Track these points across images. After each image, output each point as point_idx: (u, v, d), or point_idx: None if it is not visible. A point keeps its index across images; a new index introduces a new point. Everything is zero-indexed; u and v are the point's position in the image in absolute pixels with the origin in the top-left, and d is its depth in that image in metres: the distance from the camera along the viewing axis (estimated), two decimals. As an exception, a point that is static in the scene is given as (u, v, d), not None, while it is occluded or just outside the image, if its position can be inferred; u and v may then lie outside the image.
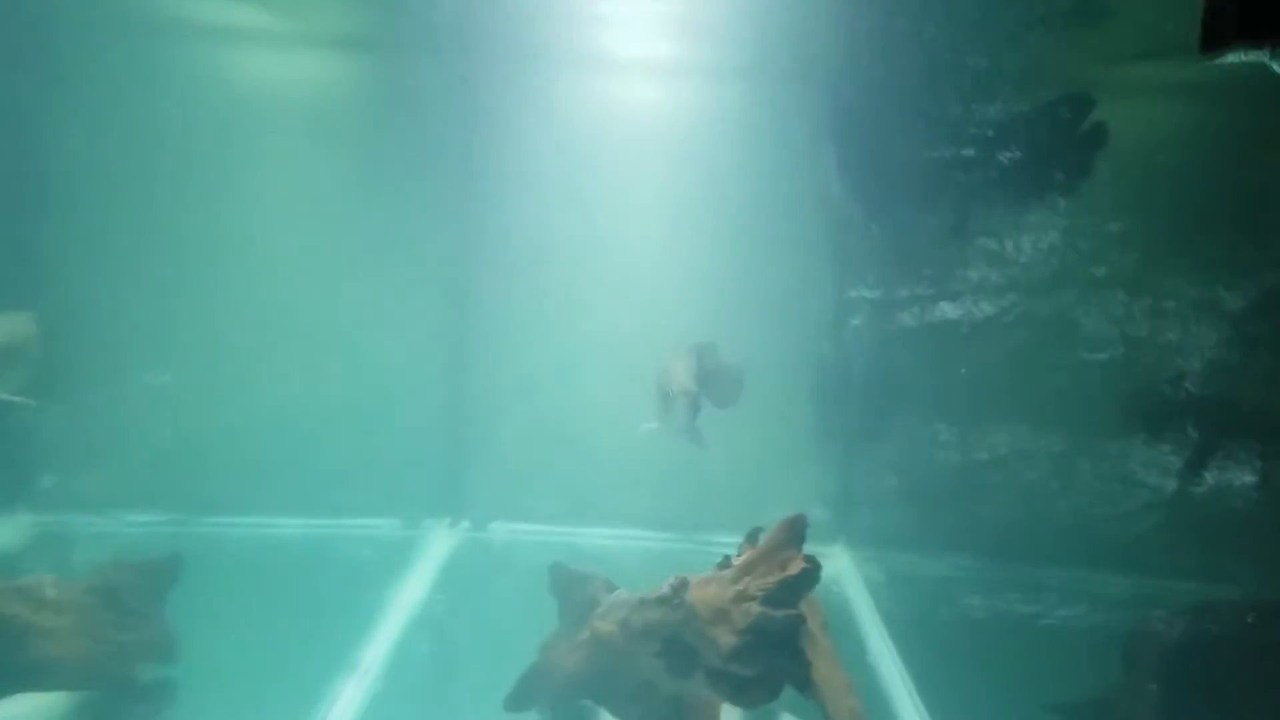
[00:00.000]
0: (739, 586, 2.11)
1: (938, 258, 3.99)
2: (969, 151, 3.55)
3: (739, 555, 2.33)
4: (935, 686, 3.12)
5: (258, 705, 2.88)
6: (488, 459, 4.64)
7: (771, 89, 4.45)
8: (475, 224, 4.54)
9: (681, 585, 2.25)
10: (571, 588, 3.12)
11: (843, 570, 4.27)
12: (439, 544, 4.39)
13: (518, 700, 2.83)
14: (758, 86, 4.47)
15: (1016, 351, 3.68)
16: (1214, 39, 1.19)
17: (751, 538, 2.32)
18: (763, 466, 4.51)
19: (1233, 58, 1.34)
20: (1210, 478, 2.74)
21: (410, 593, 3.80)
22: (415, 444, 4.57)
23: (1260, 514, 2.60)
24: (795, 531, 2.12)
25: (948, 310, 3.80)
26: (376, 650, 3.26)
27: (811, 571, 2.09)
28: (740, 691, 2.10)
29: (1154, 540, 3.08)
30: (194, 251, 4.40)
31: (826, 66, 4.27)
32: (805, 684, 2.16)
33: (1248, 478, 2.62)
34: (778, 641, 2.05)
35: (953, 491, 4.05)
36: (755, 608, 2.05)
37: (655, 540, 4.57)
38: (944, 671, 3.19)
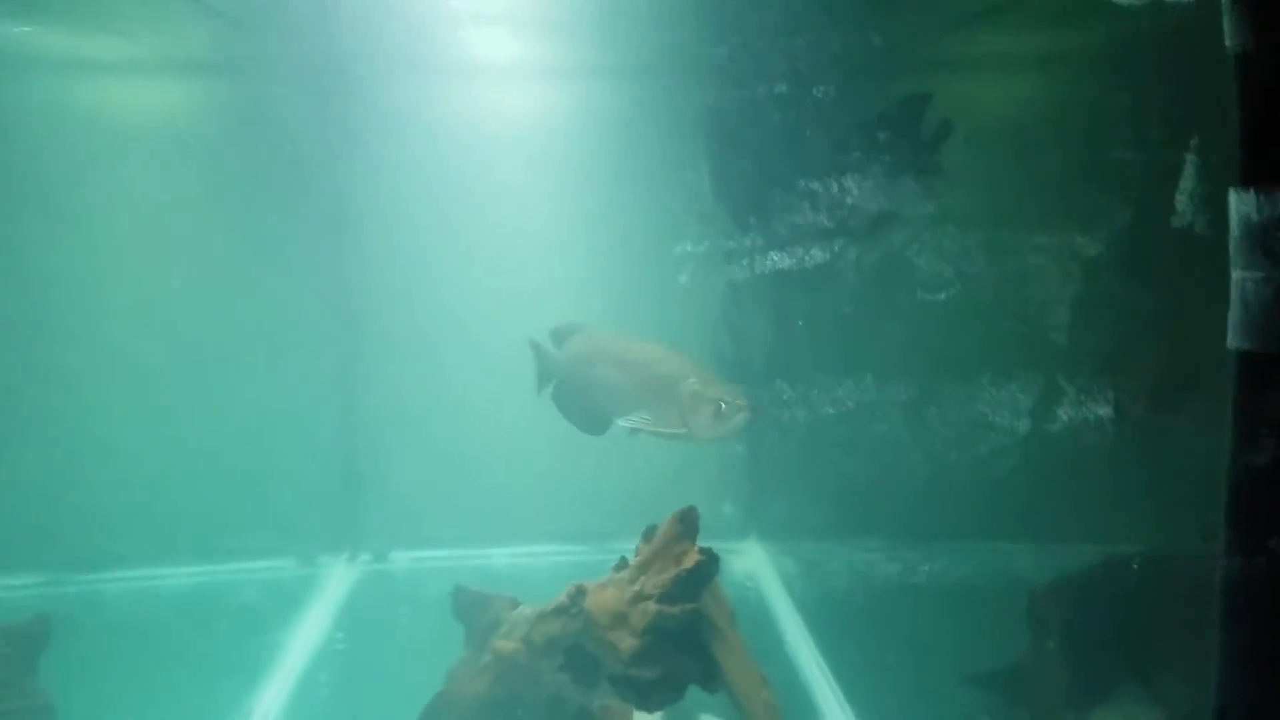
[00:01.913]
0: (636, 587, 2.02)
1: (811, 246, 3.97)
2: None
3: (636, 556, 2.24)
4: (852, 671, 3.08)
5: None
6: (384, 488, 4.47)
7: (646, 89, 4.39)
8: (353, 250, 4.38)
9: (578, 593, 2.15)
10: (475, 610, 2.99)
11: (756, 565, 4.22)
12: (338, 580, 4.21)
13: (423, 733, 2.69)
14: (633, 86, 4.41)
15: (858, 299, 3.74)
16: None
17: (648, 536, 2.23)
18: (668, 468, 4.43)
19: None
20: (1064, 416, 2.76)
21: (307, 634, 3.62)
22: (306, 478, 4.37)
23: (1120, 453, 2.61)
24: (688, 524, 2.04)
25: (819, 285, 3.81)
26: (271, 698, 3.09)
27: (707, 563, 2.01)
28: (645, 696, 2.01)
29: (1016, 485, 3.09)
30: (56, 293, 4.15)
31: (690, 64, 4.23)
32: (710, 680, 2.08)
33: (1102, 412, 2.65)
34: (678, 639, 1.96)
35: (842, 470, 4.02)
36: (652, 607, 1.97)
37: (565, 554, 4.46)
38: (860, 655, 3.16)
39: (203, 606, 3.94)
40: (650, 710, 2.13)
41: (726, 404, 2.54)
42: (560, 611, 2.21)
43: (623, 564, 2.23)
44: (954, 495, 3.78)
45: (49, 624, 2.91)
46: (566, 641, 2.20)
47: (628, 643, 1.98)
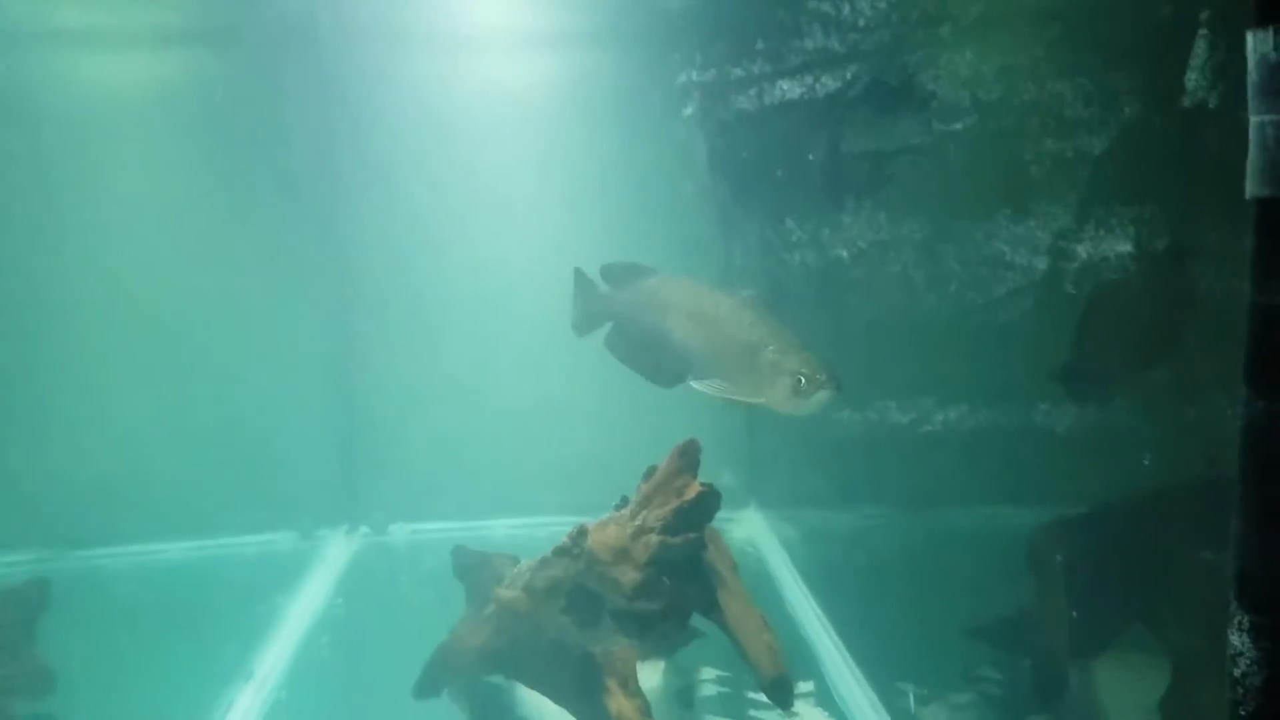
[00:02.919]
0: (637, 522, 2.01)
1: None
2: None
3: (637, 494, 2.22)
4: (853, 627, 3.08)
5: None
6: (384, 461, 4.45)
7: (639, 54, 4.36)
8: (348, 224, 4.36)
9: (580, 533, 2.14)
10: (476, 569, 2.98)
11: (756, 531, 4.21)
12: (337, 552, 4.19)
13: (425, 686, 2.68)
14: (622, 54, 4.38)
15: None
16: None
17: (648, 476, 2.21)
18: (664, 439, 4.40)
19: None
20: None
21: (308, 601, 3.61)
22: (305, 452, 4.35)
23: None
24: (688, 458, 2.03)
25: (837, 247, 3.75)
26: (274, 658, 3.08)
27: (709, 495, 2.00)
28: (648, 628, 2.00)
29: (1013, 449, 3.06)
30: (43, 269, 4.12)
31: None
32: (713, 609, 2.06)
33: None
34: (681, 570, 1.95)
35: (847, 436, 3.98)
36: (654, 538, 1.96)
37: (564, 526, 4.41)
38: (861, 613, 3.15)
39: (201, 579, 3.93)
40: (654, 643, 2.12)
41: (806, 379, 2.29)
42: (562, 553, 2.20)
43: (624, 503, 2.21)
44: (954, 461, 3.77)
45: (47, 587, 2.89)
46: (569, 584, 2.18)
47: (630, 576, 1.97)
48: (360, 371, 4.42)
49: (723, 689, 2.81)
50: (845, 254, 2.88)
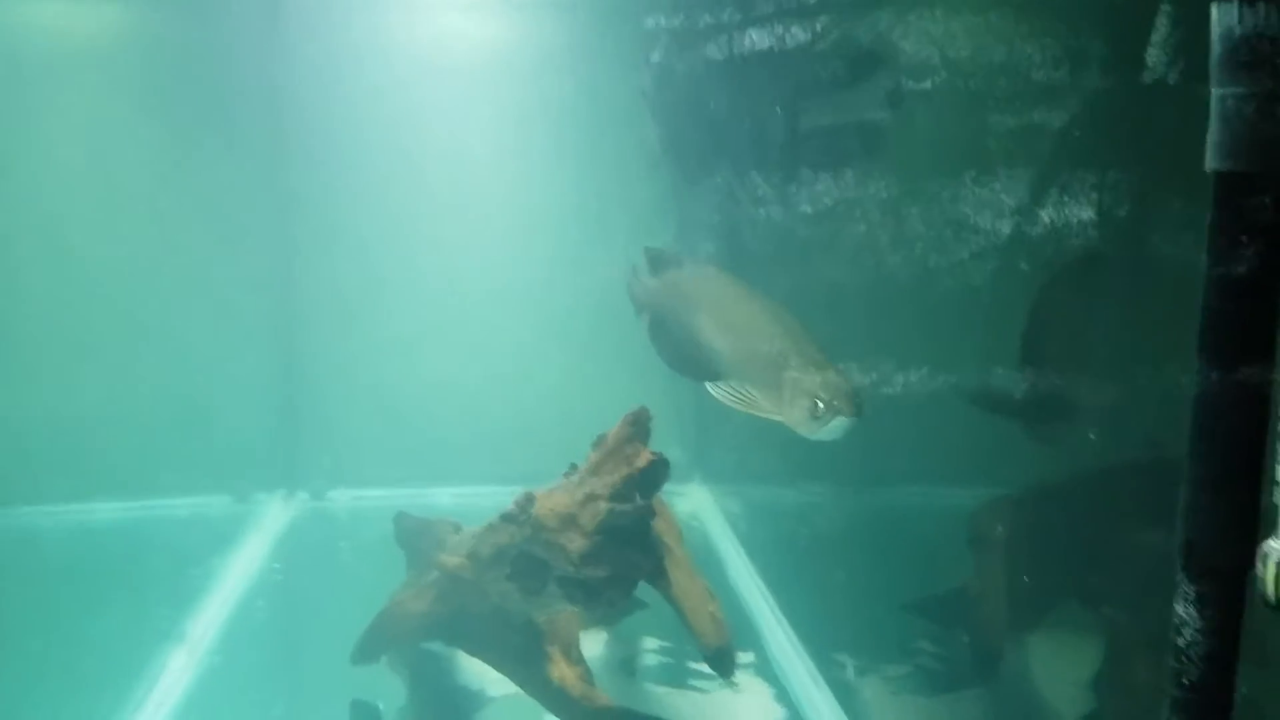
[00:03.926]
0: (586, 489, 2.00)
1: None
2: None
3: (585, 462, 2.21)
4: (794, 600, 3.10)
5: (74, 688, 2.60)
6: (323, 426, 4.38)
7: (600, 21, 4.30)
8: (293, 185, 4.26)
9: (527, 499, 2.12)
10: (417, 535, 2.96)
11: (701, 506, 4.21)
12: (274, 517, 4.13)
13: (364, 652, 2.64)
14: (585, 19, 4.32)
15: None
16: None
17: (598, 444, 2.20)
18: (612, 410, 4.39)
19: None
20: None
21: (243, 565, 3.55)
22: (243, 415, 4.27)
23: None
24: (639, 425, 2.02)
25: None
26: (208, 622, 3.02)
27: (659, 464, 1.99)
28: (593, 595, 1.99)
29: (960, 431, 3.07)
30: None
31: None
32: (660, 577, 2.06)
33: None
34: (629, 537, 1.94)
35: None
36: (603, 506, 1.94)
37: (508, 495, 4.39)
38: (802, 587, 3.17)
39: (132, 540, 3.84)
40: (599, 609, 2.12)
41: (825, 404, 2.14)
42: (508, 520, 2.18)
43: (572, 470, 2.20)
44: (898, 442, 3.79)
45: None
46: (514, 550, 2.17)
47: (577, 543, 1.96)
48: (301, 334, 4.35)
49: (664, 659, 2.82)
50: (807, 212, 2.85)
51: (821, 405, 2.17)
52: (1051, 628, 2.50)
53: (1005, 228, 2.04)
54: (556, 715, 2.33)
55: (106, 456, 4.02)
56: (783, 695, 2.66)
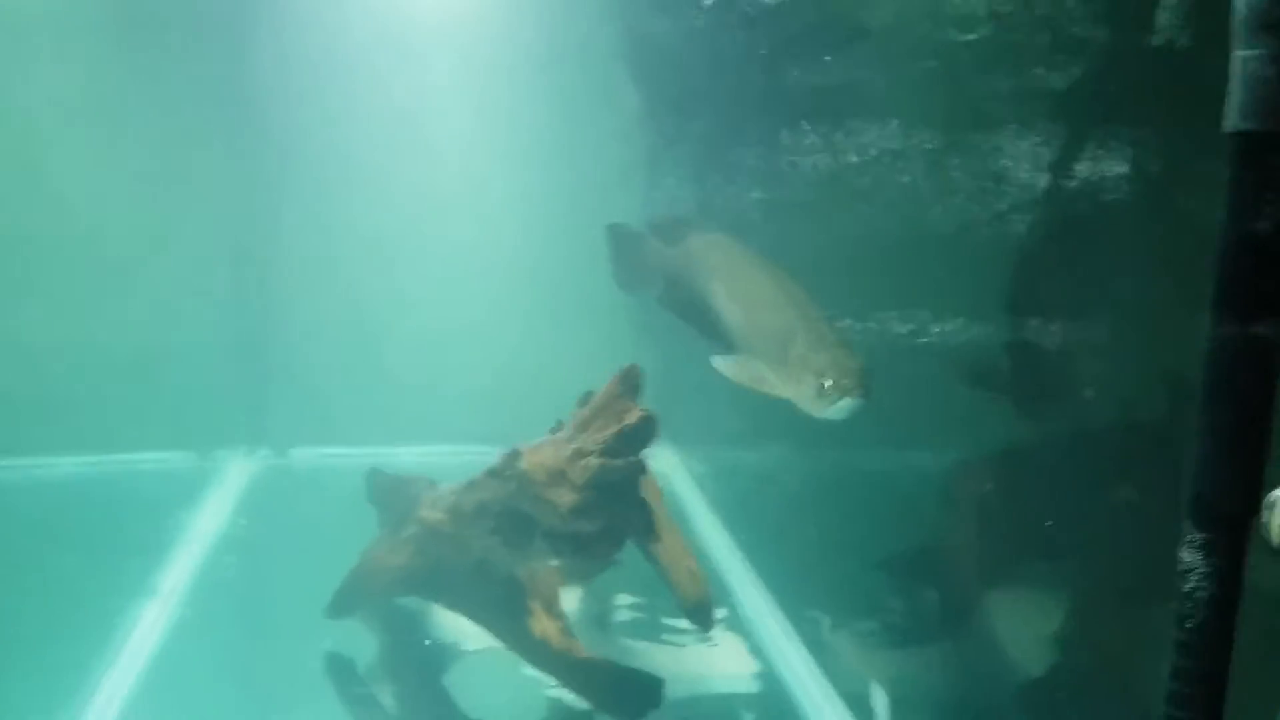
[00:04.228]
0: (576, 445, 2.01)
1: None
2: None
3: (573, 418, 2.22)
4: (764, 558, 3.14)
5: (48, 641, 2.57)
6: (285, 382, 4.33)
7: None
8: (258, 130, 4.18)
9: (513, 455, 2.13)
10: (392, 492, 2.95)
11: (668, 467, 4.23)
12: (237, 473, 4.09)
13: (340, 605, 2.64)
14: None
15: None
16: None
17: (584, 401, 2.21)
18: (580, 370, 4.38)
19: None
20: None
21: (209, 520, 3.52)
22: (204, 370, 4.21)
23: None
24: (630, 382, 2.03)
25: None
26: (177, 576, 3.00)
27: (650, 419, 2.01)
28: (583, 548, 2.01)
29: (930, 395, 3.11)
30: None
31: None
32: (649, 533, 2.09)
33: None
34: (619, 492, 1.96)
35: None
36: (594, 461, 1.96)
37: (473, 454, 4.34)
38: (772, 546, 3.22)
39: (96, 494, 3.79)
40: (588, 562, 2.14)
41: (833, 383, 2.09)
42: (493, 475, 2.19)
43: (559, 426, 2.21)
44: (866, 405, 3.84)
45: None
46: (499, 505, 2.18)
47: (567, 498, 1.97)
48: (263, 287, 4.29)
49: (638, 614, 2.85)
50: (790, 174, 2.85)
51: (829, 384, 2.13)
52: (1017, 584, 2.57)
53: (993, 190, 2.07)
54: (538, 668, 2.35)
55: (66, 410, 3.95)
56: (756, 649, 2.70)
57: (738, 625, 2.81)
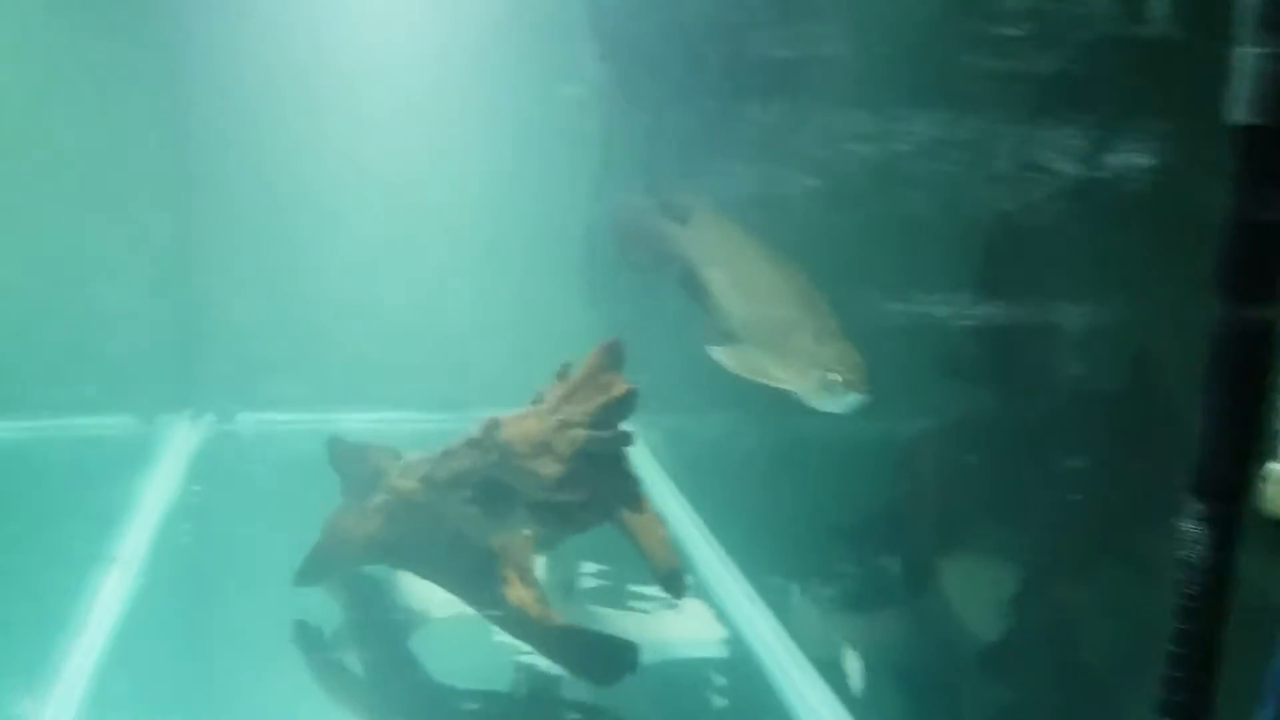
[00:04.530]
0: (560, 416, 2.03)
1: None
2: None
3: (549, 390, 2.24)
4: (725, 525, 3.20)
5: (8, 609, 2.53)
6: (228, 345, 4.24)
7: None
8: (195, 68, 4.04)
9: (493, 424, 2.14)
10: (353, 461, 2.94)
11: (617, 434, 4.29)
12: (182, 439, 4.02)
13: (308, 574, 2.64)
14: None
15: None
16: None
17: (563, 374, 2.23)
18: (531, 337, 4.37)
19: None
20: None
21: (160, 487, 3.46)
22: (143, 331, 4.11)
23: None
24: (614, 355, 2.06)
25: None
26: (134, 544, 2.95)
27: (635, 392, 2.04)
28: (568, 519, 2.04)
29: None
30: None
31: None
32: (637, 502, 2.12)
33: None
34: (605, 463, 2.00)
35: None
36: (580, 432, 1.99)
37: (425, 422, 4.34)
38: (732, 512, 3.27)
39: (38, 461, 3.70)
40: (574, 532, 2.17)
41: (839, 377, 2.06)
42: (472, 445, 2.20)
43: (539, 398, 2.23)
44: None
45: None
46: (477, 475, 2.20)
47: (551, 469, 2.00)
48: (205, 245, 4.18)
49: (602, 581, 2.90)
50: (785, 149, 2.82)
51: (834, 378, 2.11)
52: (973, 550, 2.66)
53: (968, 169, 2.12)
54: (514, 636, 2.39)
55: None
56: (722, 615, 2.77)
57: (702, 590, 2.88)
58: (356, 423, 4.33)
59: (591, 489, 1.99)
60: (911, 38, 2.19)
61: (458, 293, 4.29)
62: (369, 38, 4.15)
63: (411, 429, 4.44)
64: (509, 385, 4.28)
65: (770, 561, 2.97)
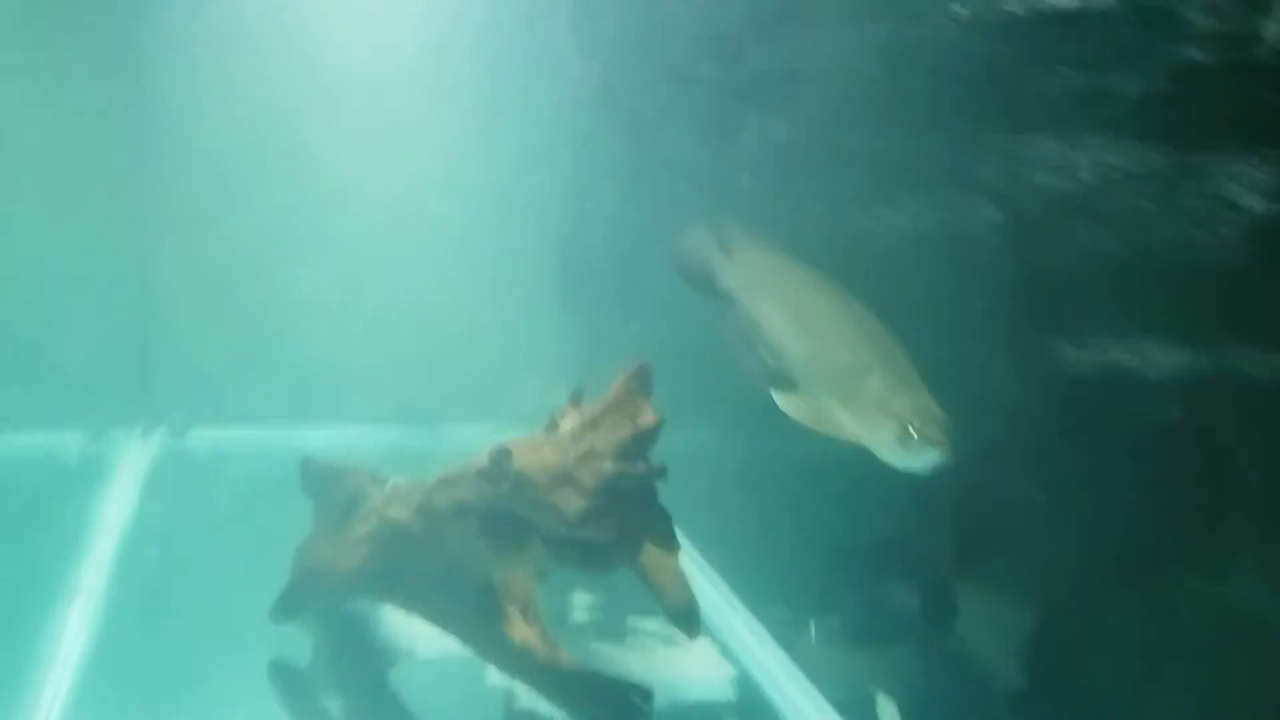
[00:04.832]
0: (584, 446, 1.90)
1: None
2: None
3: (562, 416, 2.11)
4: (723, 555, 3.08)
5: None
6: (180, 357, 4.03)
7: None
8: (150, 94, 3.87)
9: (504, 453, 2.00)
10: (328, 483, 2.76)
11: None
12: (134, 457, 3.80)
13: (286, 608, 2.46)
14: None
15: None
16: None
17: (575, 398, 2.10)
18: (502, 347, 4.20)
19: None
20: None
21: (116, 509, 3.25)
22: (91, 342, 3.88)
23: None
24: (642, 381, 1.93)
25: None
26: (96, 572, 2.75)
27: (660, 423, 1.92)
28: (594, 557, 1.90)
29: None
30: None
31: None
32: (670, 540, 1.99)
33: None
34: (635, 498, 1.87)
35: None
36: (608, 465, 1.85)
37: (390, 436, 4.18)
38: (728, 541, 3.14)
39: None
40: (598, 572, 2.03)
41: (917, 432, 1.87)
42: (482, 474, 2.05)
43: (553, 425, 2.09)
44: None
45: None
46: (484, 506, 2.05)
47: (574, 503, 1.86)
48: (155, 248, 3.95)
49: (598, 615, 2.76)
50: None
51: (912, 432, 1.92)
52: (989, 582, 2.58)
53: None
54: (514, 677, 2.24)
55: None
56: (726, 651, 2.65)
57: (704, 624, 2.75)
58: (318, 440, 4.12)
59: (620, 526, 1.86)
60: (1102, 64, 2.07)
61: (426, 299, 4.13)
62: (339, 42, 3.97)
63: (377, 444, 4.26)
64: (479, 399, 4.16)
65: (770, 591, 2.86)
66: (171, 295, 4.01)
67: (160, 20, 3.79)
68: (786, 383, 2.19)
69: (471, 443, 4.60)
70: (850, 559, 2.76)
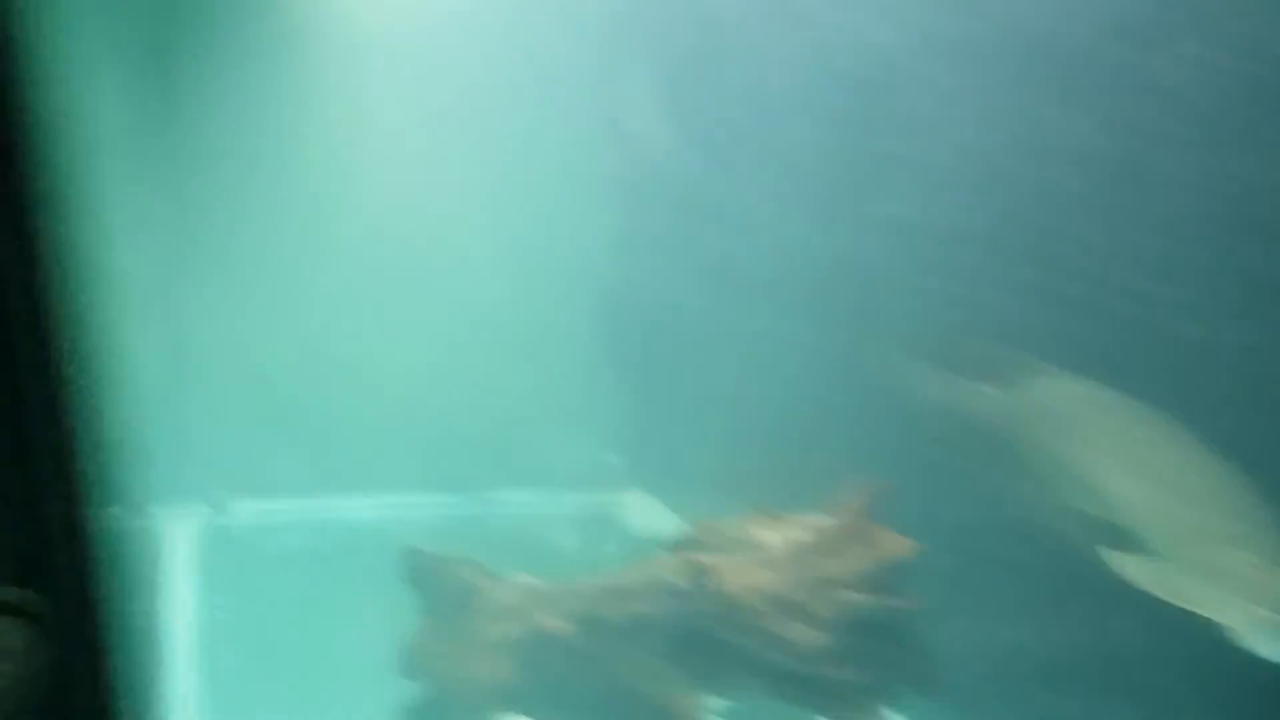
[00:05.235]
0: (812, 570, 1.74)
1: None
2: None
3: (758, 526, 1.95)
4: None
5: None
6: (216, 428, 3.80)
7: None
8: (186, 147, 3.66)
9: (701, 570, 1.84)
10: (435, 575, 2.59)
11: (652, 519, 3.94)
12: (179, 535, 3.56)
13: (424, 726, 2.27)
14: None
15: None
16: None
17: (767, 509, 1.94)
18: (542, 410, 4.02)
19: None
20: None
21: (178, 603, 3.02)
22: (125, 416, 3.62)
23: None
24: (878, 503, 1.77)
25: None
26: (184, 683, 2.52)
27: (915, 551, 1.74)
28: (835, 698, 1.73)
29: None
30: None
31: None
32: (934, 685, 1.80)
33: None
34: (890, 635, 1.70)
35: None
36: (854, 595, 1.69)
37: (438, 506, 3.99)
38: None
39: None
40: (844, 718, 1.82)
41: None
42: (664, 589, 1.89)
43: (748, 538, 1.93)
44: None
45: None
46: (672, 625, 1.88)
47: (810, 636, 1.70)
48: (191, 312, 3.75)
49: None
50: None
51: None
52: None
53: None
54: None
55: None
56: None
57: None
58: (366, 509, 3.92)
59: (873, 666, 1.70)
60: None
61: (468, 363, 3.96)
62: (396, 85, 3.81)
63: (429, 515, 4.04)
64: (521, 465, 3.99)
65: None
66: (209, 360, 3.80)
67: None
68: (1124, 541, 1.86)
69: (522, 510, 4.41)
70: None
